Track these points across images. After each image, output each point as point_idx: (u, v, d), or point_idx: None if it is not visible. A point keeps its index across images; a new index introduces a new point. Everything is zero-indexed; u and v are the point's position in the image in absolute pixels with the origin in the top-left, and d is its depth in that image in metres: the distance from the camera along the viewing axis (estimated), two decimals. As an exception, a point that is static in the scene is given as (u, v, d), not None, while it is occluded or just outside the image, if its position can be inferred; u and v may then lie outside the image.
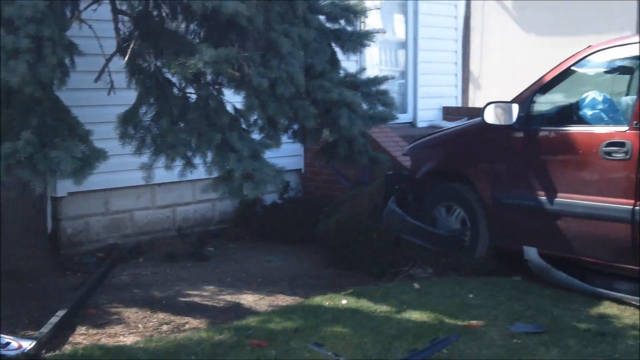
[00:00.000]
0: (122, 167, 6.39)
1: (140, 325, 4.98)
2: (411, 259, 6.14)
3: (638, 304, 5.26)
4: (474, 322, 4.85)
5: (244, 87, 5.12)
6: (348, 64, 6.42)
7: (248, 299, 5.58)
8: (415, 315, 4.99)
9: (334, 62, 5.97)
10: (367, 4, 8.28)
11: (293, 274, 6.29)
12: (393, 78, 6.76)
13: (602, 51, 5.92)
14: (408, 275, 5.99)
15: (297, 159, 8.43)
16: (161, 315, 5.18)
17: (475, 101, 13.17)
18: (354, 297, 5.37)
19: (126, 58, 5.24)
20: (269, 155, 5.21)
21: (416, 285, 5.63)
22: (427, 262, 6.14)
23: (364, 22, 8.49)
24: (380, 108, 5.87)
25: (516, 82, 6.31)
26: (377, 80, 5.94)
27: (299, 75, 5.12)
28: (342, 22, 5.93)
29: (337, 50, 5.99)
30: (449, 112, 10.01)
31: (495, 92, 11.77)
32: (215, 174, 4.97)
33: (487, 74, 13.63)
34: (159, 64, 5.26)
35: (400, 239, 6.36)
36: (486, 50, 13.69)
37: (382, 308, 5.14)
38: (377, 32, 6.17)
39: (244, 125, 5.40)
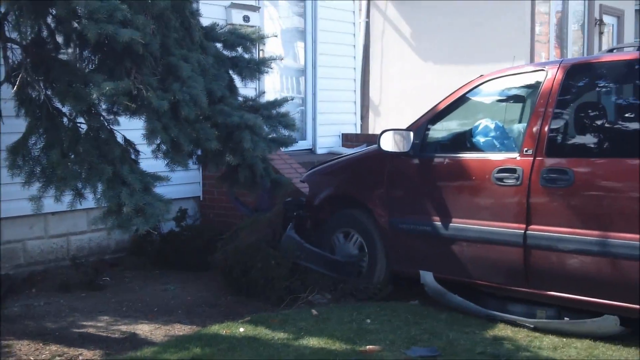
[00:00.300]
0: (13, 196, 6.21)
1: (31, 358, 4.83)
2: (310, 285, 6.16)
3: (531, 326, 5.43)
4: (370, 347, 4.89)
5: (143, 112, 5.07)
6: (248, 91, 6.45)
7: (144, 329, 5.47)
8: (313, 342, 4.99)
9: (232, 89, 5.99)
10: (266, 31, 8.39)
11: (190, 303, 6.21)
12: (292, 99, 6.84)
13: (494, 80, 6.14)
14: (307, 302, 6.01)
15: (195, 186, 8.37)
16: (54, 347, 5.04)
17: (376, 128, 13.38)
18: (252, 325, 5.34)
19: (15, 88, 5.11)
20: (164, 183, 5.16)
21: (314, 312, 5.65)
22: (325, 288, 6.18)
23: (262, 49, 8.56)
24: (283, 131, 5.92)
25: (415, 110, 6.46)
26: (277, 103, 5.99)
27: (202, 98, 5.11)
28: (240, 49, 5.95)
29: (235, 77, 6.01)
30: (348, 139, 10.15)
31: (395, 119, 12.03)
32: (105, 206, 4.90)
33: (387, 102, 13.89)
34: (49, 93, 5.15)
35: (299, 266, 6.38)
36: (386, 78, 13.96)
37: (280, 335, 5.13)
38: (275, 59, 6.24)
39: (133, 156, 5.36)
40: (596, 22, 14.70)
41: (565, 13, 14.16)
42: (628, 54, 5.71)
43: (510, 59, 10.49)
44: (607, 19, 15.21)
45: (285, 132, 6.00)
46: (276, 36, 9.15)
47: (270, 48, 9.42)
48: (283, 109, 6.05)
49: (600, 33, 14.82)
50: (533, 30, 12.81)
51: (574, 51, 14.28)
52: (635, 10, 16.62)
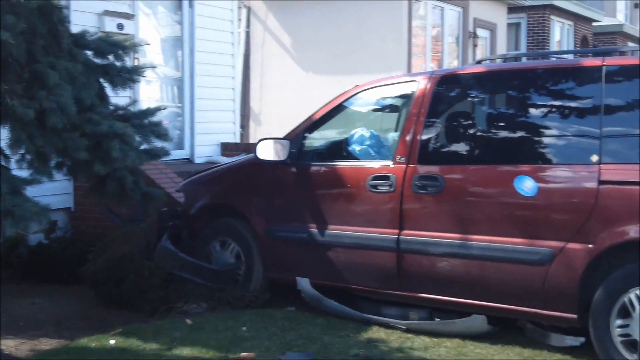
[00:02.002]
0: None
1: None
2: (185, 295, 6.19)
3: (404, 328, 5.66)
4: (244, 354, 4.97)
5: (7, 120, 4.99)
6: (121, 100, 6.42)
7: (9, 345, 5.35)
8: (186, 352, 5.04)
9: (103, 97, 5.94)
10: (142, 39, 8.36)
11: (59, 316, 6.11)
12: (165, 108, 6.82)
13: (369, 90, 6.37)
14: (182, 312, 6.03)
15: (66, 197, 8.21)
16: None
17: (257, 137, 13.43)
18: (123, 337, 5.32)
19: None
20: (33, 193, 5.08)
21: (189, 322, 5.68)
22: (201, 297, 6.21)
23: (137, 57, 8.52)
24: (155, 141, 5.91)
25: (296, 119, 6.60)
26: (149, 112, 5.97)
27: (70, 106, 5.05)
28: (111, 57, 5.93)
29: (107, 85, 5.98)
30: (227, 148, 10.21)
31: (277, 128, 12.13)
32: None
33: (268, 111, 14.03)
34: None
35: (175, 276, 6.40)
36: (267, 88, 14.11)
37: (152, 346, 5.14)
38: (148, 68, 6.23)
39: (3, 162, 5.25)
40: (470, 35, 15.35)
41: (441, 26, 14.74)
42: (493, 66, 6.08)
43: (389, 70, 10.87)
44: (480, 32, 15.91)
45: (158, 143, 6.00)
46: (149, 44, 9.12)
47: (151, 57, 9.41)
48: (156, 118, 6.05)
49: (475, 45, 15.48)
50: (410, 42, 13.27)
51: (449, 63, 14.86)
52: (507, 24, 17.44)
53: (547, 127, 5.30)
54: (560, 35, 20.30)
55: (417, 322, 5.67)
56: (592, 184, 4.89)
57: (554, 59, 6.73)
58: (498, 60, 6.45)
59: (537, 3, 18.85)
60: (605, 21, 23.60)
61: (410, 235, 5.60)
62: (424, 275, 5.58)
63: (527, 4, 17.80)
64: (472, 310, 5.44)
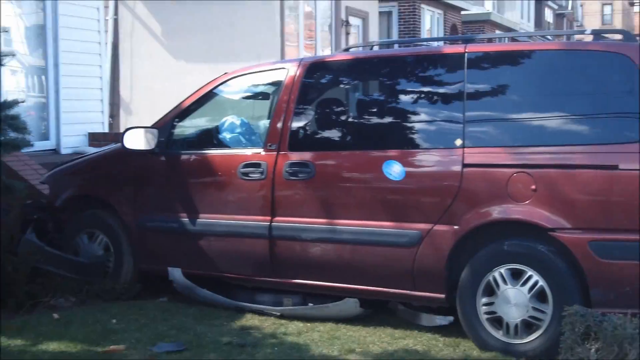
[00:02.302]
0: None
1: None
2: (53, 289, 6.03)
3: (278, 314, 5.72)
4: (113, 347, 4.91)
5: None
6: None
7: None
8: (53, 347, 4.92)
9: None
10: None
11: None
12: (23, 102, 6.58)
13: (239, 77, 6.35)
14: (49, 307, 5.87)
15: None
16: None
17: (127, 126, 13.21)
18: (-15, 334, 5.15)
19: None
20: None
21: (56, 316, 5.55)
22: (70, 291, 6.07)
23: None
24: (12, 134, 5.71)
25: (167, 108, 6.51)
26: (6, 105, 5.77)
27: None
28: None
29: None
30: (95, 138, 9.97)
31: (148, 117, 11.93)
32: None
33: (139, 100, 13.77)
34: None
35: (41, 270, 6.21)
36: (137, 77, 13.84)
37: (17, 342, 4.99)
38: (6, 55, 6.01)
39: None
40: (343, 23, 15.56)
41: (314, 14, 14.87)
42: (360, 53, 6.20)
43: (262, 58, 10.86)
44: (353, 20, 16.14)
45: (17, 136, 5.78)
46: (7, 31, 8.80)
47: (16, 46, 9.08)
48: (14, 111, 5.82)
49: (347, 34, 15.71)
50: (283, 30, 13.33)
51: (322, 51, 15.02)
52: (379, 12, 17.78)
53: (413, 113, 5.44)
54: (430, 23, 20.85)
55: (290, 308, 5.73)
56: (457, 168, 5.07)
57: (420, 46, 6.93)
58: (366, 48, 6.56)
59: (408, -8, 19.29)
60: (474, 10, 24.44)
61: (283, 222, 5.65)
62: (297, 261, 5.65)
63: (398, -8, 18.20)
64: (345, 294, 5.55)
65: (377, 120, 5.70)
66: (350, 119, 5.93)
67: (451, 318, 5.34)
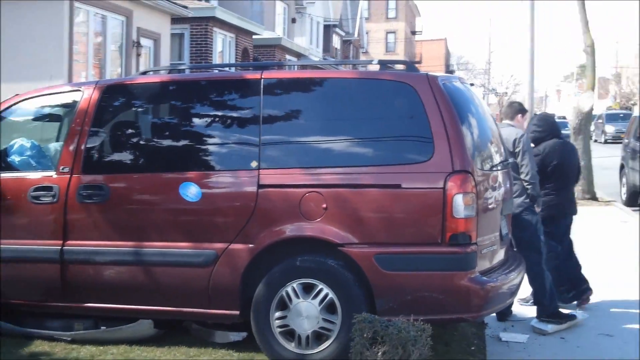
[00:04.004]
0: None
1: None
2: None
3: (69, 339, 5.69)
4: None
5: None
6: None
7: None
8: None
9: None
10: None
11: None
12: None
13: (30, 99, 6.30)
14: None
15: None
16: None
17: None
18: None
19: None
20: None
21: None
22: None
23: None
24: None
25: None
26: None
27: None
28: None
29: None
30: None
31: None
32: None
33: None
34: None
35: None
36: None
37: None
38: None
39: None
40: (134, 44, 15.50)
41: (104, 34, 14.72)
42: (159, 77, 6.30)
43: (49, 78, 10.65)
44: (145, 41, 16.13)
45: None
46: None
47: None
48: None
49: (138, 55, 15.67)
50: (71, 49, 13.13)
51: (112, 71, 14.89)
52: (172, 34, 17.86)
53: (211, 136, 5.64)
54: (222, 46, 21.18)
55: (82, 332, 5.75)
56: (253, 188, 5.34)
57: (217, 71, 7.14)
58: (163, 72, 6.67)
59: (201, 15, 19.51)
60: (265, 34, 25.06)
61: (75, 245, 5.65)
62: (90, 285, 5.67)
63: (190, 15, 18.35)
64: (141, 315, 5.65)
65: (175, 143, 5.83)
66: (147, 142, 5.99)
67: (245, 334, 5.58)
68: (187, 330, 5.85)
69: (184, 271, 5.45)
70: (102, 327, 5.74)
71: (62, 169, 5.75)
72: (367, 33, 57.97)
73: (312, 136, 5.41)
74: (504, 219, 5.80)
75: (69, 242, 5.66)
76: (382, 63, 5.76)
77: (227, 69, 7.73)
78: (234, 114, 5.67)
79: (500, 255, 5.69)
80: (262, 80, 5.57)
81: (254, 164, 5.38)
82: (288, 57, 26.68)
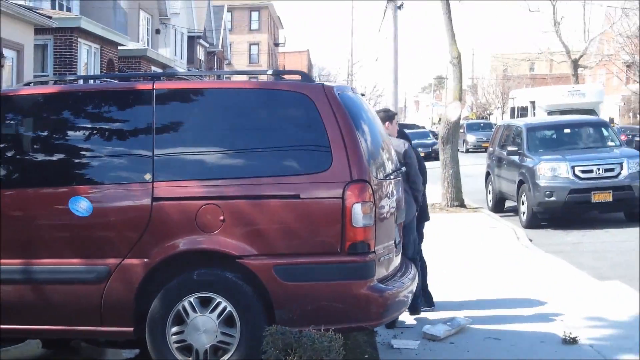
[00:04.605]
0: None
1: None
2: None
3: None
4: None
5: None
6: None
7: None
8: None
9: None
10: None
11: None
12: None
13: None
14: None
15: None
16: None
17: None
18: None
19: None
20: None
21: None
22: None
23: None
24: None
25: None
26: None
27: None
28: None
29: None
30: None
31: None
32: None
33: None
34: None
35: None
36: None
37: None
38: None
39: None
40: (-3, 54, 14.92)
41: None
42: (48, 87, 5.98)
43: None
44: (7, 52, 15.53)
45: None
46: None
47: None
48: None
49: (1, 66, 15.05)
50: None
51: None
52: (35, 45, 17.26)
53: (102, 148, 5.47)
54: (87, 57, 20.64)
55: (-34, 356, 5.47)
56: (146, 201, 5.24)
57: (102, 82, 6.94)
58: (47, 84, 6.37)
59: (64, 25, 18.95)
60: (131, 45, 24.61)
61: None
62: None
63: (54, 25, 17.79)
64: (29, 336, 5.42)
65: (63, 156, 5.62)
66: (35, 155, 5.71)
67: (137, 350, 5.46)
68: (75, 349, 5.66)
69: (75, 288, 5.28)
70: (-13, 349, 5.49)
71: None
72: (230, 44, 57.86)
73: (209, 147, 5.36)
74: (397, 227, 5.93)
75: None
76: (276, 73, 5.76)
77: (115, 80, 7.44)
78: (126, 126, 5.53)
79: (396, 262, 5.82)
80: (154, 90, 5.48)
81: (147, 176, 5.27)
82: (154, 68, 26.27)
